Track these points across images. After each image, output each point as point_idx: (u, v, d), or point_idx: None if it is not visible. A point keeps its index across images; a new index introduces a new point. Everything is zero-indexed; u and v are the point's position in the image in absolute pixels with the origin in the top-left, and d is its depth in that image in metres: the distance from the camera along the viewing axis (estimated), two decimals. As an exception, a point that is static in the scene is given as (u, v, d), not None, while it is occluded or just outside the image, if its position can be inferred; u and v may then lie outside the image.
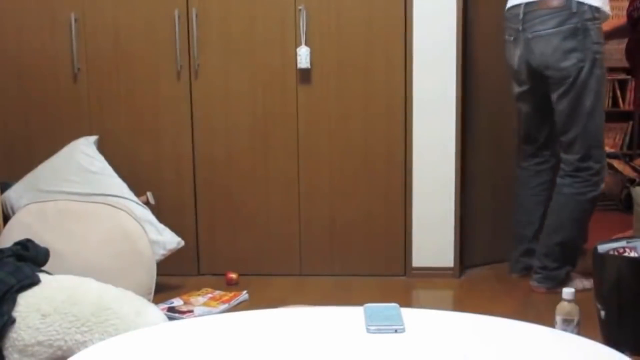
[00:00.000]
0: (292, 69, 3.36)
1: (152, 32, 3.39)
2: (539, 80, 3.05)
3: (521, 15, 2.95)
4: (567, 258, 3.13)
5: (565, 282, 3.13)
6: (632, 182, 4.83)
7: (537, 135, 3.23)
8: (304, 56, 3.31)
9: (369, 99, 3.36)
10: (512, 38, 3.04)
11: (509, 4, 3.07)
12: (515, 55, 3.06)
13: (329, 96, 3.37)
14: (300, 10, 3.32)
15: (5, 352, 2.22)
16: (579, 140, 2.99)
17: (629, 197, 4.76)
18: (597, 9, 2.89)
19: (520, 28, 2.96)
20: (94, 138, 3.38)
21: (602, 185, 3.09)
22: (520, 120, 3.27)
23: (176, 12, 3.35)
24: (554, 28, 2.87)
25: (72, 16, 3.39)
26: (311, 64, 3.34)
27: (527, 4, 2.93)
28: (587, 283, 3.13)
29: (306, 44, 3.33)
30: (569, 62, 2.89)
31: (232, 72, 3.39)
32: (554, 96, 2.99)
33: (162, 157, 3.46)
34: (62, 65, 3.44)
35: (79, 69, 3.43)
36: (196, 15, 3.35)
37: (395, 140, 3.38)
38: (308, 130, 3.41)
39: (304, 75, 3.37)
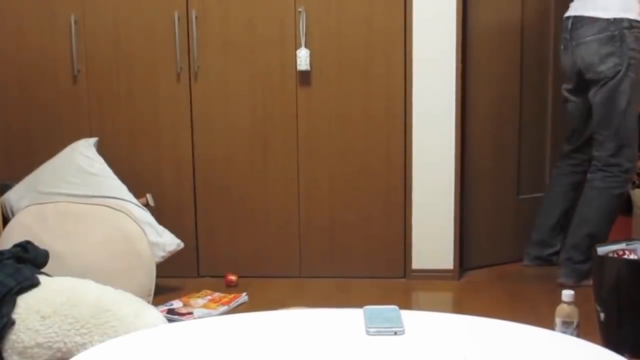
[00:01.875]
0: (292, 70, 3.36)
1: (152, 33, 3.39)
2: (583, 83, 3.26)
3: (569, 26, 3.21)
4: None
5: (588, 276, 3.18)
6: (632, 184, 4.82)
7: (582, 131, 3.37)
8: (303, 58, 3.32)
9: (369, 101, 3.36)
10: (562, 46, 3.31)
11: (564, 16, 3.30)
12: (566, 60, 3.29)
13: (329, 98, 3.37)
14: (300, 12, 3.32)
15: (5, 354, 2.22)
16: (611, 138, 3.17)
17: (629, 200, 4.75)
18: (635, 20, 3.12)
19: (568, 37, 3.22)
20: (93, 140, 3.37)
21: (630, 185, 3.26)
22: (567, 117, 3.42)
23: (176, 14, 3.35)
24: (593, 35, 3.12)
25: (72, 17, 3.39)
26: (311, 66, 3.34)
27: (575, 16, 3.21)
28: None
29: (306, 46, 3.33)
30: (606, 66, 3.11)
31: (232, 74, 3.39)
32: (591, 95, 3.20)
33: (162, 159, 3.46)
34: (62, 66, 3.44)
35: (78, 71, 3.44)
36: (196, 17, 3.35)
37: (395, 142, 3.38)
38: (308, 132, 3.41)
39: (304, 77, 3.37)
